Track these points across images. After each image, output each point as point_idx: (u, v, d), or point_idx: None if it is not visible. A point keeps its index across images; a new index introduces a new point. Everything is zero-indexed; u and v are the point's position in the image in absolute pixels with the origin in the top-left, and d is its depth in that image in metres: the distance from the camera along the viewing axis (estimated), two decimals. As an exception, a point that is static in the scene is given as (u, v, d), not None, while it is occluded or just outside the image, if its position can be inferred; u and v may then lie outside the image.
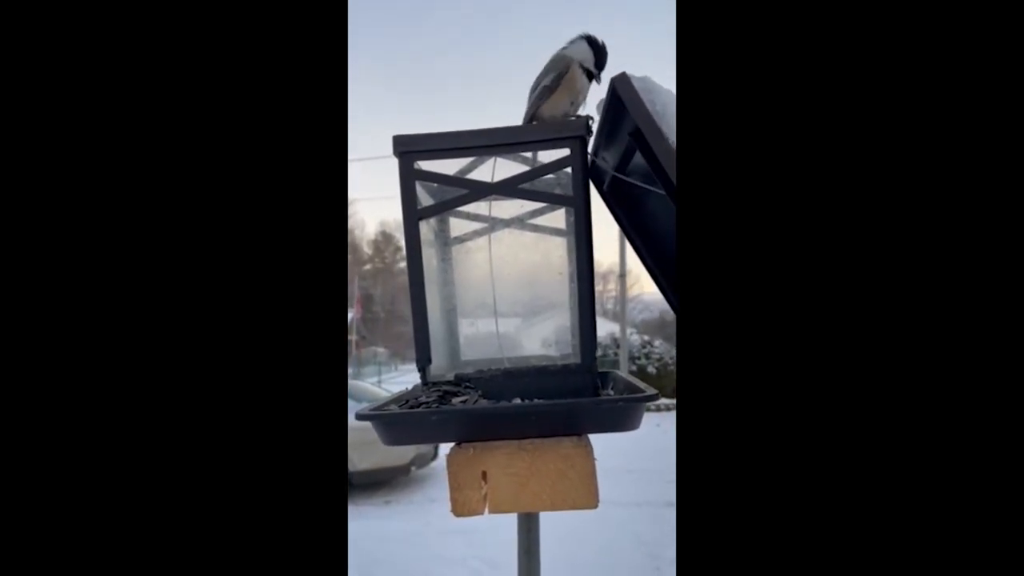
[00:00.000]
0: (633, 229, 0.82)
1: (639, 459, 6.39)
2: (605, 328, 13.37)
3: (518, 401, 0.64)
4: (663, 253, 0.78)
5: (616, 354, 11.10)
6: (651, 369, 11.31)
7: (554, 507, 0.57)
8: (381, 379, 15.97)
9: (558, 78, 0.72)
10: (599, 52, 0.73)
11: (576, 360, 0.66)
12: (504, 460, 0.58)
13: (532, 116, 0.76)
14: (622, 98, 0.53)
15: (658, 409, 10.43)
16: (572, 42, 0.75)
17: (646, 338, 12.38)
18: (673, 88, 0.57)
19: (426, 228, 0.72)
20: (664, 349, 11.84)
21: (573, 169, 0.66)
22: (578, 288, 0.66)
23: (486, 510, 0.58)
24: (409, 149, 0.67)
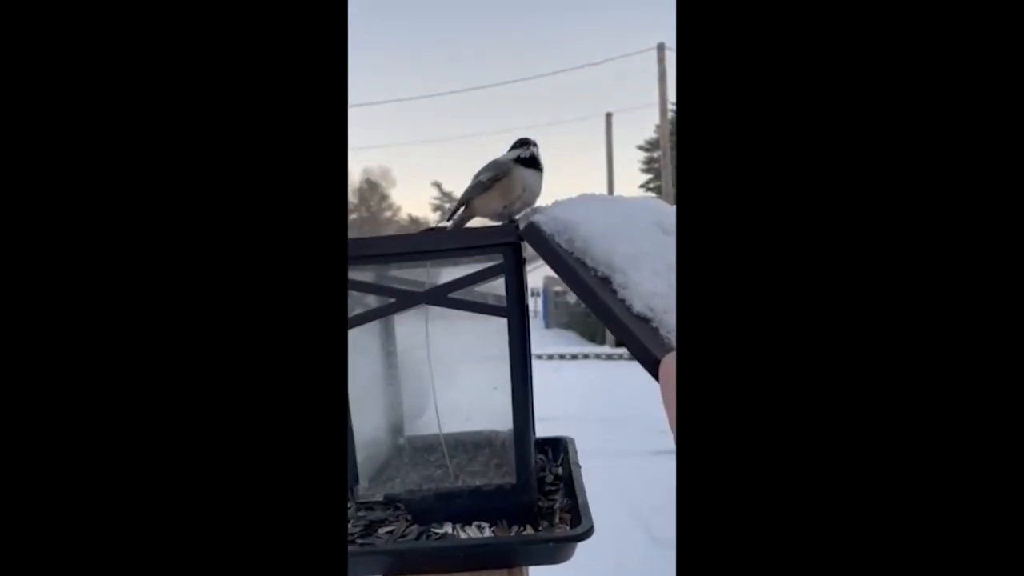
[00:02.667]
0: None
1: (620, 409, 6.51)
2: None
3: (449, 526, 0.63)
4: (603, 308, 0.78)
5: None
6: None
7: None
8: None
9: (493, 180, 0.75)
10: (529, 154, 0.77)
11: (511, 480, 0.64)
12: (431, 605, 0.56)
13: (464, 203, 0.79)
14: (535, 250, 0.51)
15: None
16: (512, 147, 0.78)
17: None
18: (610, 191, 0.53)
19: (360, 332, 0.69)
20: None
21: (507, 277, 0.63)
22: (513, 406, 0.64)
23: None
24: (331, 260, 0.63)
